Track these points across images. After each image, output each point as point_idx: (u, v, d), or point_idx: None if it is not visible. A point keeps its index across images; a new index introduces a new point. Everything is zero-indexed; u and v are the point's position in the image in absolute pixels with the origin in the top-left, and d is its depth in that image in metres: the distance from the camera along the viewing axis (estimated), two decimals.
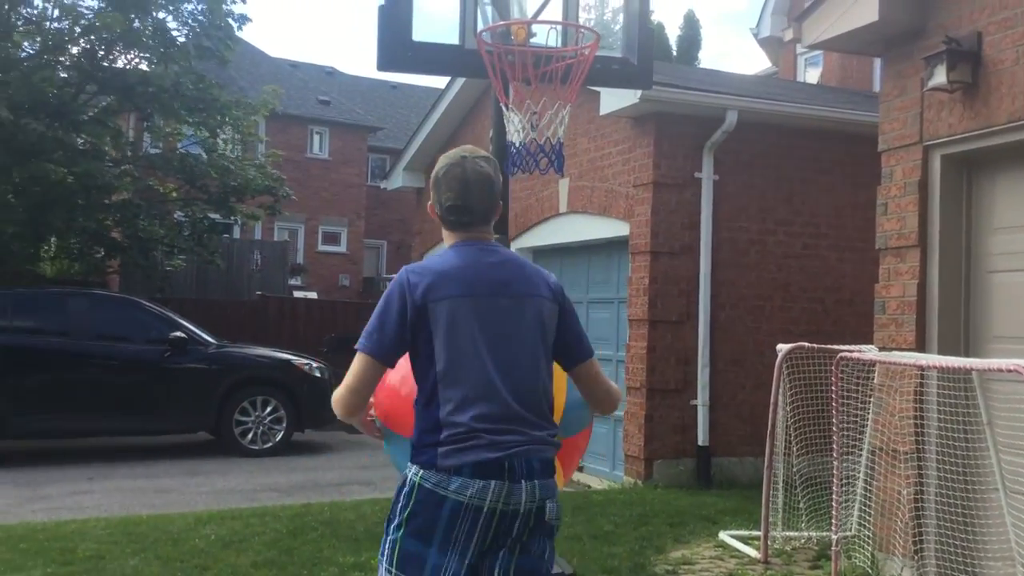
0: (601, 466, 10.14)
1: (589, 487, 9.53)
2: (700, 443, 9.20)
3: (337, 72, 33.54)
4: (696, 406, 9.24)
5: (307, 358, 12.42)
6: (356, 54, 74.84)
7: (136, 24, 13.82)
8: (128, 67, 14.91)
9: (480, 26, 5.36)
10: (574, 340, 2.81)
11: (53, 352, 11.02)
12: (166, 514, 7.70)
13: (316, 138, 27.69)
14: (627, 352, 9.49)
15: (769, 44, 16.74)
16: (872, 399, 6.08)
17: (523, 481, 2.58)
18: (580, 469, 10.36)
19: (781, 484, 6.70)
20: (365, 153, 28.77)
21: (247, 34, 16.44)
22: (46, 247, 16.12)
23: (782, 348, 6.55)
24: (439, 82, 22.83)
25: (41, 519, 7.54)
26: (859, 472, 6.35)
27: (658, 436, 9.16)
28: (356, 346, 2.70)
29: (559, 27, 5.57)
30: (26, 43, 14.63)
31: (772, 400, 6.57)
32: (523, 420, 2.63)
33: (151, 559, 6.15)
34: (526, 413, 2.64)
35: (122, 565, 6.00)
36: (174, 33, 14.81)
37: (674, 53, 25.21)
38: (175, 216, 16.37)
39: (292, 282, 24.11)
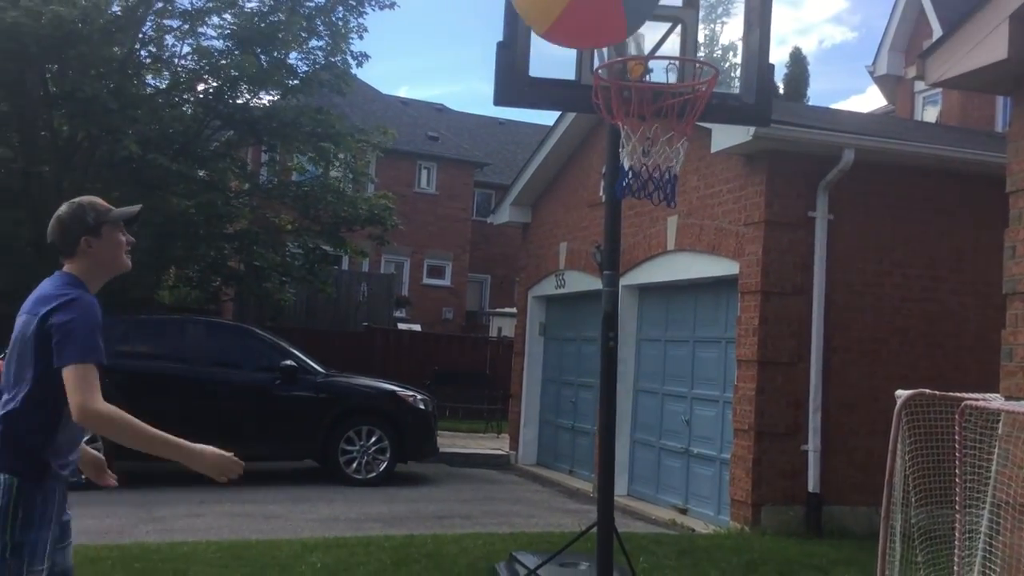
0: (706, 509, 9.92)
1: (693, 531, 9.33)
2: (811, 490, 8.93)
3: (446, 109, 34.16)
4: (807, 451, 8.98)
5: (412, 390, 12.54)
6: (466, 91, 76.13)
7: (263, 62, 14.39)
8: (251, 102, 15.52)
9: (596, 62, 5.38)
10: (54, 347, 2.99)
11: (169, 377, 11.37)
12: (274, 539, 7.83)
13: (424, 173, 28.19)
14: (735, 393, 9.31)
15: (886, 82, 16.37)
16: (997, 450, 5.80)
17: None
18: (684, 512, 10.16)
19: (899, 536, 6.43)
20: (471, 188, 29.15)
21: (361, 72, 17.06)
22: (166, 276, 16.77)
23: (901, 394, 6.30)
24: (546, 118, 23.00)
25: (155, 540, 7.75)
26: (982, 526, 6.05)
27: (766, 481, 8.92)
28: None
29: (675, 63, 5.55)
30: (153, 79, 15.37)
31: (890, 448, 6.32)
32: None
33: None
34: None
35: None
36: (296, 69, 15.38)
37: (781, 91, 24.88)
38: (287, 248, 16.86)
39: (397, 314, 24.48)
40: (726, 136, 9.07)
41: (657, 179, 5.13)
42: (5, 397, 3.09)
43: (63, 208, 3.23)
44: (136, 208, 3.40)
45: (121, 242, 3.27)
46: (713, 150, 9.38)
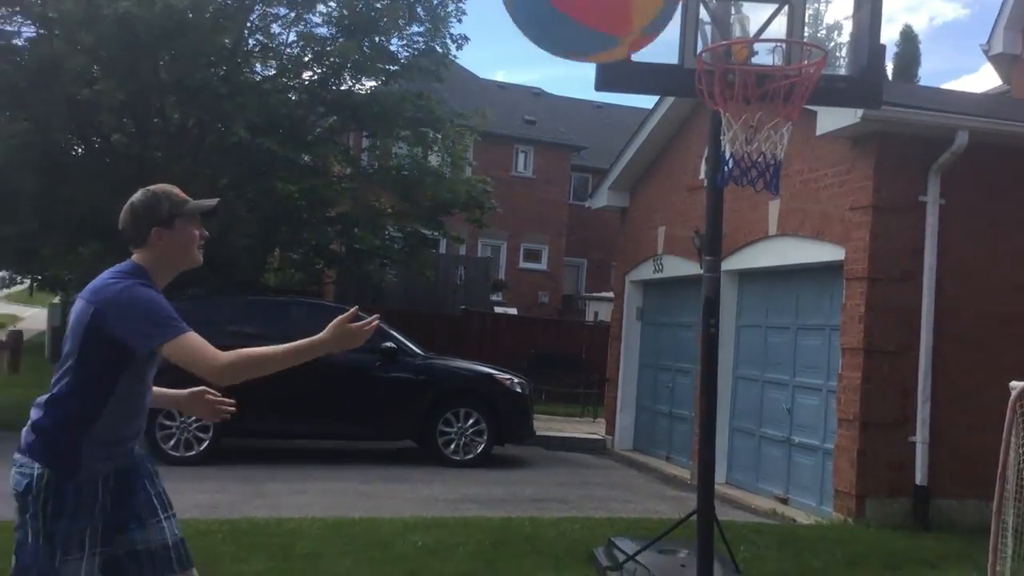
0: (807, 500, 9.75)
1: (794, 521, 9.18)
2: (918, 482, 8.69)
3: (544, 93, 34.10)
4: (914, 443, 8.74)
5: (509, 373, 12.62)
6: (563, 75, 75.91)
7: (366, 49, 14.63)
8: (353, 89, 15.80)
9: (700, 46, 5.31)
10: (127, 336, 2.91)
11: None
12: (376, 518, 7.99)
13: (521, 157, 28.25)
14: (839, 382, 9.11)
15: (1001, 61, 15.70)
16: None
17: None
18: (784, 501, 10.00)
19: (1011, 531, 6.21)
20: (568, 172, 29.10)
21: (460, 56, 17.13)
22: (271, 259, 17.23)
23: (1016, 386, 6.09)
24: (644, 102, 22.80)
25: (263, 515, 7.99)
26: None
27: (871, 472, 8.71)
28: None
29: (781, 45, 5.44)
30: (259, 66, 15.77)
31: (1003, 440, 6.11)
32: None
33: (362, 561, 6.40)
34: (36, 406, 3.03)
35: (336, 565, 6.27)
36: (396, 55, 15.58)
37: (889, 71, 24.09)
38: (387, 231, 17.13)
39: (493, 298, 24.63)
40: (832, 119, 8.85)
41: (760, 166, 5.05)
42: (53, 380, 3.03)
43: (137, 195, 3.10)
44: (213, 202, 3.26)
45: (194, 236, 3.13)
46: (818, 133, 9.16)
